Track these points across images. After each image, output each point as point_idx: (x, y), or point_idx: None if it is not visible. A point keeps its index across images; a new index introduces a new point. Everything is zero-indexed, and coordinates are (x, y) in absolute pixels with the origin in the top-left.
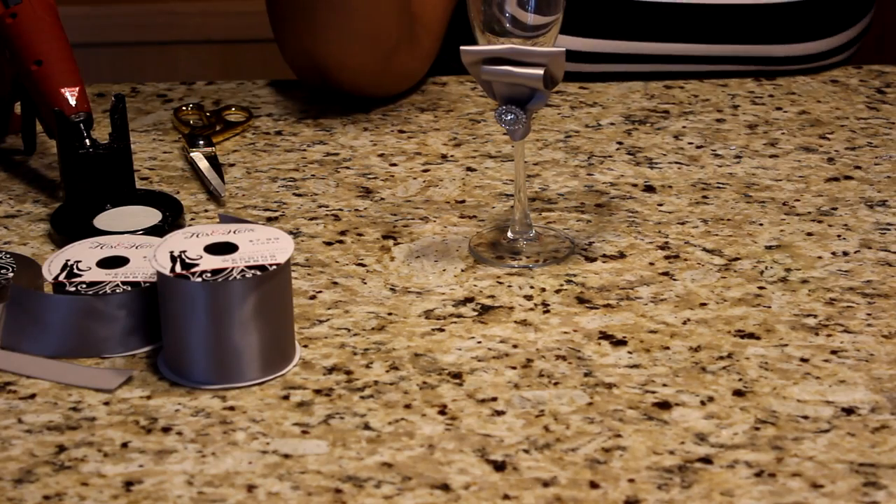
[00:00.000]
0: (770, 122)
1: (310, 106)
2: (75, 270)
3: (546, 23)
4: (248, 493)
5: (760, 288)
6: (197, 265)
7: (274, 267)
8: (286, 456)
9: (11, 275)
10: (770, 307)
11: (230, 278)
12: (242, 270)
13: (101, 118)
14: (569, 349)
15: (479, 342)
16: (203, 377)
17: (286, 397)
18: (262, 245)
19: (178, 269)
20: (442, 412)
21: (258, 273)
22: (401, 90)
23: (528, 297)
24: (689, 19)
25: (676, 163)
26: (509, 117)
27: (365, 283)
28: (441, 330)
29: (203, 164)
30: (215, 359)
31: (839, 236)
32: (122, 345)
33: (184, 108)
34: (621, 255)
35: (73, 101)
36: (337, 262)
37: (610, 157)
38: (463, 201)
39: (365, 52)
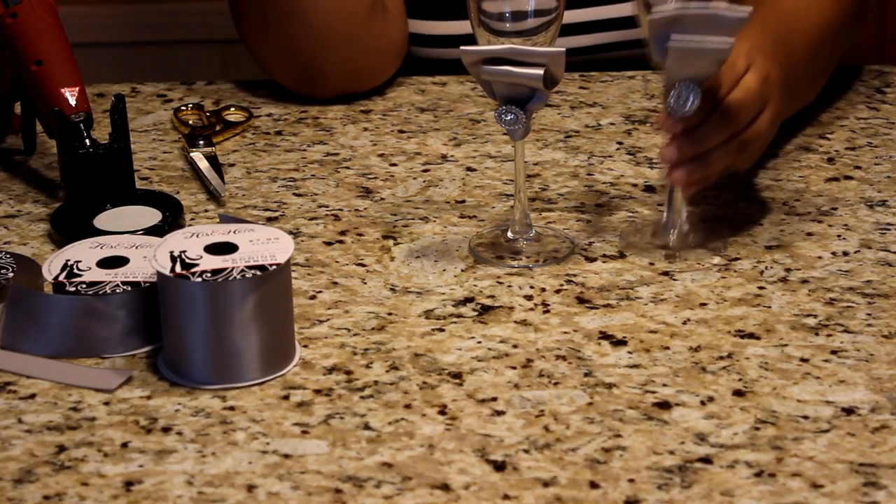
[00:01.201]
0: None
1: (310, 106)
2: (75, 270)
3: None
4: (248, 493)
5: (760, 288)
6: (197, 265)
7: (274, 267)
8: (286, 456)
9: (11, 275)
10: (770, 307)
11: (230, 278)
12: (242, 270)
13: (101, 118)
14: (569, 349)
15: (479, 342)
16: (203, 377)
17: (286, 397)
18: (262, 245)
19: (178, 269)
20: (442, 412)
21: (258, 273)
22: (384, 70)
23: (528, 297)
24: None
25: None
26: (509, 117)
27: (365, 283)
28: (441, 330)
29: (203, 164)
30: (215, 359)
31: (839, 236)
32: (122, 345)
33: (184, 108)
34: (621, 255)
35: (73, 101)
36: (337, 262)
37: (610, 157)
38: (463, 201)
39: (341, 20)
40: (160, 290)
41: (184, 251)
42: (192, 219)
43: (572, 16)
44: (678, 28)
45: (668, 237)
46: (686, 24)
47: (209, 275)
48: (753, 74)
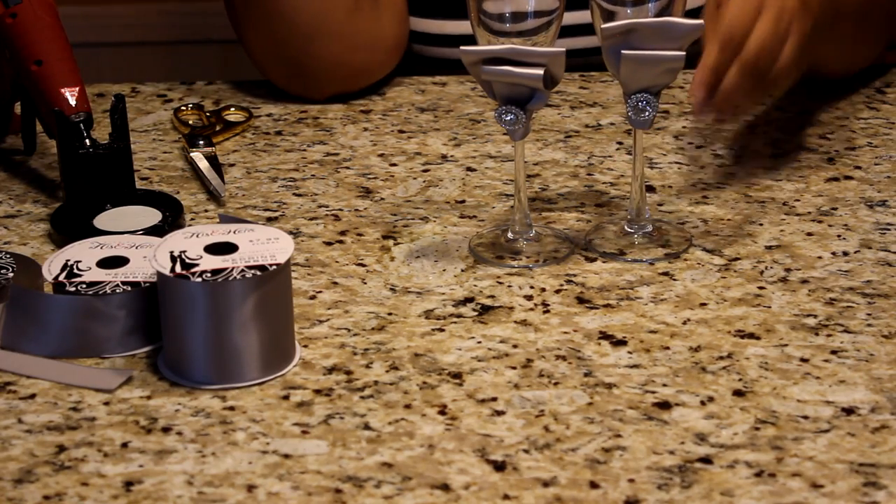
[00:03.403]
0: (770, 121)
1: (310, 106)
2: (75, 270)
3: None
4: (248, 493)
5: (760, 288)
6: (197, 265)
7: (274, 267)
8: (286, 456)
9: (11, 275)
10: (770, 307)
11: (230, 278)
12: (242, 270)
13: (101, 118)
14: (569, 349)
15: (479, 342)
16: (203, 377)
17: (286, 397)
18: (262, 245)
19: (178, 269)
20: (442, 412)
21: (258, 273)
22: (377, 68)
23: (528, 297)
24: None
25: (676, 163)
26: (509, 117)
27: (365, 283)
28: (441, 330)
29: (203, 164)
30: (215, 359)
31: (839, 236)
32: (122, 345)
33: (184, 108)
34: (621, 255)
35: (73, 101)
36: (337, 262)
37: (610, 157)
38: (463, 201)
39: (321, 14)
40: (160, 290)
41: (184, 251)
42: (192, 219)
43: (572, 18)
44: (632, 38)
45: (633, 237)
46: (639, 34)
47: (209, 275)
48: (766, 15)
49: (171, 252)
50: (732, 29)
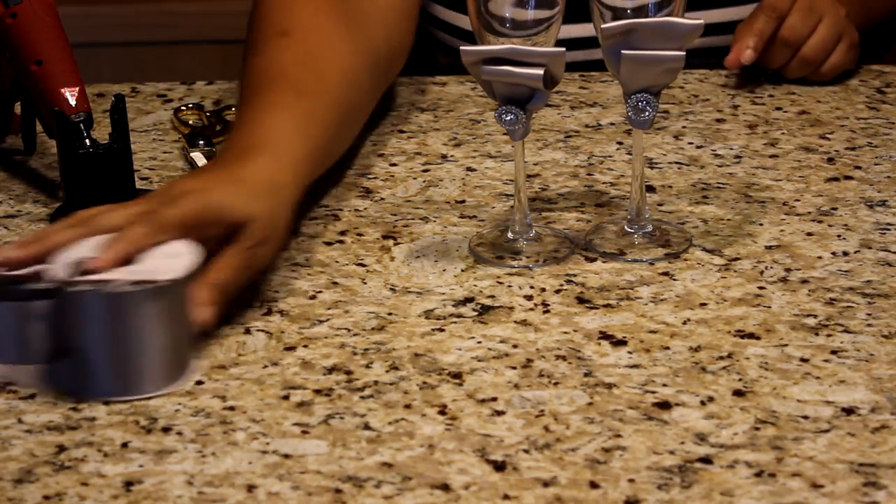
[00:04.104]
0: (770, 122)
1: None
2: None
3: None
4: (248, 493)
5: (760, 288)
6: (94, 274)
7: (165, 282)
8: (286, 456)
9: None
10: (770, 307)
11: (122, 289)
12: (136, 283)
13: (101, 118)
14: (569, 349)
15: (479, 342)
16: (104, 388)
17: (286, 397)
18: (166, 260)
19: (72, 277)
20: (442, 412)
21: (149, 285)
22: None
23: (528, 297)
24: None
25: (676, 163)
26: (509, 117)
27: (365, 283)
28: (441, 330)
29: (203, 164)
30: (116, 370)
31: (839, 236)
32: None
33: (184, 108)
34: (621, 255)
35: (73, 101)
36: (337, 262)
37: (610, 157)
38: (463, 201)
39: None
40: (57, 303)
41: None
42: None
43: (569, 31)
44: (632, 39)
45: (633, 237)
46: (639, 34)
47: (100, 284)
48: (797, 9)
49: (69, 260)
50: (768, 23)
